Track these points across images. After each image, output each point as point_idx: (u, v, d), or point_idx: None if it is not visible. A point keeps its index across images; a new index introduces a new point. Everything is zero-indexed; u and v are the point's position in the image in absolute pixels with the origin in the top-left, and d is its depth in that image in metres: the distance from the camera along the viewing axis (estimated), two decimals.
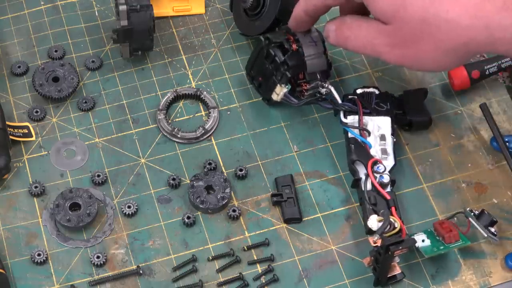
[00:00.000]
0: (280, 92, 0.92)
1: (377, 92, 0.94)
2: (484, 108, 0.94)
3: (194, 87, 0.99)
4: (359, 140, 0.91)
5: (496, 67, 0.97)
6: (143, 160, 0.94)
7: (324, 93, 0.93)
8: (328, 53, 0.93)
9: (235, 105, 0.98)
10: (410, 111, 0.95)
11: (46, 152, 0.94)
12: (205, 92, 0.98)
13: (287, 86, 0.92)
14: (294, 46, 0.91)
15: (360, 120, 0.92)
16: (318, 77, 0.92)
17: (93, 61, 1.00)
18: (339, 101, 0.92)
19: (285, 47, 0.91)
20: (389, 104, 0.93)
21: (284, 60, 0.91)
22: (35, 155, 0.94)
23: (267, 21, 0.96)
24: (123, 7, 0.94)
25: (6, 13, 1.04)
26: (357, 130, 0.91)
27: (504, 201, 0.92)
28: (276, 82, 0.92)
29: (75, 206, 0.89)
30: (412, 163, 0.94)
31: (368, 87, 0.95)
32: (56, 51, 1.00)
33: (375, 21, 0.83)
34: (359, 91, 0.94)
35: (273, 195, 0.91)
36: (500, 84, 1.00)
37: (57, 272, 0.87)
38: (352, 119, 0.92)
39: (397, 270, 0.85)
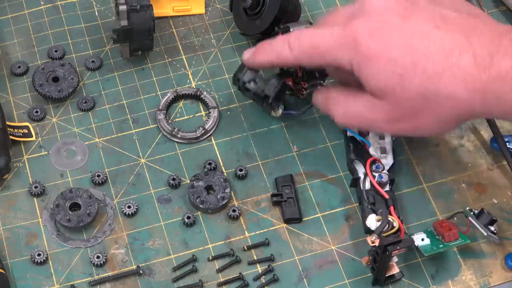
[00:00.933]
0: (276, 114, 0.93)
1: None
2: None
3: (194, 87, 0.99)
4: (358, 139, 0.91)
5: None
6: (143, 160, 0.94)
7: None
8: None
9: (235, 105, 0.98)
10: None
11: (46, 152, 0.94)
12: (205, 92, 0.98)
13: (280, 107, 0.92)
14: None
15: None
16: (317, 75, 0.92)
17: (93, 61, 1.00)
18: None
19: (261, 78, 0.91)
20: None
21: (265, 94, 0.91)
22: (35, 155, 0.94)
23: (267, 21, 0.96)
24: (123, 7, 0.94)
25: (6, 13, 1.04)
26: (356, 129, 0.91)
27: (504, 201, 0.92)
28: (267, 110, 0.92)
29: (75, 206, 0.89)
30: (412, 163, 0.94)
31: None
32: (56, 51, 1.00)
33: (366, 96, 0.82)
34: None
35: (273, 195, 0.91)
36: None
37: (57, 272, 0.87)
38: None
39: (395, 270, 0.85)
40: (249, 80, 0.91)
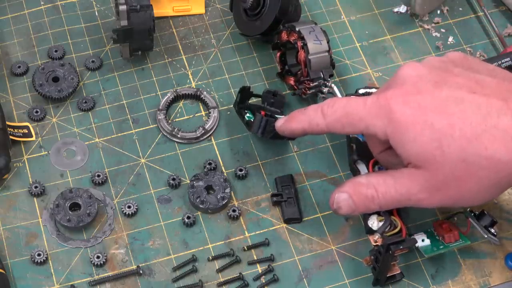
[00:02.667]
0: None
1: None
2: None
3: (194, 87, 0.99)
4: (360, 139, 0.91)
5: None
6: (143, 160, 0.94)
7: (326, 92, 0.93)
8: (332, 53, 0.93)
9: None
10: None
11: (46, 152, 0.94)
12: (205, 92, 0.98)
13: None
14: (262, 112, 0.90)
15: None
16: (322, 75, 0.92)
17: (93, 61, 1.00)
18: None
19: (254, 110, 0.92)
20: None
21: (263, 130, 0.89)
22: (35, 155, 0.94)
23: (267, 21, 0.96)
24: (123, 7, 0.94)
25: (6, 13, 1.04)
26: None
27: (504, 201, 0.92)
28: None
29: (75, 206, 0.89)
30: None
31: (370, 87, 0.94)
32: (56, 51, 1.00)
33: (402, 170, 0.80)
34: (361, 91, 0.94)
35: (273, 195, 0.91)
36: None
37: (57, 272, 0.87)
38: None
39: (397, 270, 0.85)
40: (239, 111, 0.92)
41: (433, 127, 0.77)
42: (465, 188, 0.78)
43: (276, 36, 0.97)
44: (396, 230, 0.84)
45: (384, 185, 0.80)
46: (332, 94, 0.93)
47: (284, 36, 0.95)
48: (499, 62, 0.96)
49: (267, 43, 1.00)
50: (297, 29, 0.93)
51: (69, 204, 0.89)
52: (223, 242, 0.89)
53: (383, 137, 0.79)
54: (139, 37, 0.96)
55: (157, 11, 1.00)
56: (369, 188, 0.81)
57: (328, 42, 0.93)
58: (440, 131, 0.76)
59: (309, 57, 0.92)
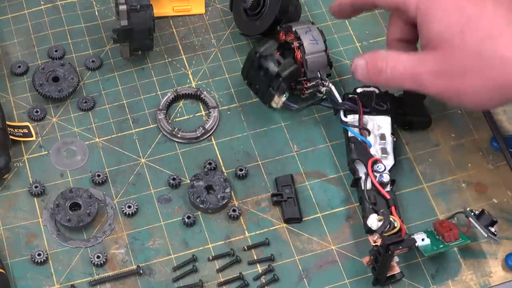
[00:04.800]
0: (278, 101, 0.92)
1: (377, 91, 0.94)
2: None
3: (194, 87, 0.99)
4: (359, 139, 0.91)
5: None
6: (143, 160, 0.94)
7: (324, 92, 0.93)
8: (329, 53, 0.93)
9: (235, 105, 0.98)
10: (410, 111, 0.95)
11: (46, 152, 0.94)
12: (205, 92, 0.98)
13: (285, 95, 0.92)
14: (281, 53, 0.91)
15: (360, 119, 0.92)
16: (319, 75, 0.92)
17: (93, 61, 1.00)
18: (339, 100, 0.92)
19: (276, 58, 0.91)
20: (389, 104, 0.93)
21: (277, 72, 0.91)
22: (35, 155, 0.94)
23: (267, 21, 0.96)
24: (123, 7, 0.94)
25: (6, 13, 1.04)
26: (357, 129, 0.91)
27: (504, 201, 0.92)
28: (273, 93, 0.92)
29: (75, 206, 0.89)
30: (412, 162, 0.94)
31: (369, 87, 0.94)
32: (56, 51, 1.00)
33: (416, 52, 0.82)
34: (359, 90, 0.94)
35: (273, 195, 0.91)
36: None
37: (57, 272, 0.87)
38: (352, 118, 0.92)
39: (396, 270, 0.85)
40: (266, 55, 0.91)
41: (464, 12, 0.78)
42: (469, 83, 0.79)
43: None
44: (395, 230, 0.84)
45: (395, 61, 0.83)
46: (330, 94, 0.93)
47: (282, 36, 0.95)
48: None
49: None
50: (293, 29, 0.93)
51: (69, 204, 0.89)
52: (223, 242, 0.89)
53: (413, 13, 0.81)
54: (139, 37, 0.96)
55: (157, 11, 1.00)
56: (384, 61, 0.83)
57: (325, 42, 0.93)
58: (468, 18, 0.78)
59: (306, 57, 0.92)
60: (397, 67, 0.83)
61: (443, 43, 0.80)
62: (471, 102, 0.81)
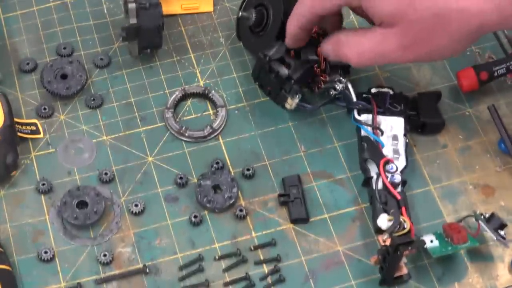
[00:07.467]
0: (292, 103, 0.92)
1: (391, 92, 0.94)
2: (492, 110, 0.94)
3: (202, 85, 0.99)
4: (372, 138, 0.91)
5: (504, 68, 0.96)
6: (150, 159, 0.94)
7: (339, 89, 0.92)
8: None
9: (243, 104, 0.98)
10: (424, 113, 0.95)
11: (54, 150, 0.94)
12: (213, 91, 0.98)
13: (298, 96, 0.92)
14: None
15: (374, 119, 0.92)
16: (339, 71, 0.92)
17: (101, 59, 1.00)
18: (354, 98, 0.92)
19: (286, 61, 0.91)
20: (402, 105, 0.93)
21: (288, 75, 0.91)
22: (42, 152, 0.94)
23: (273, 35, 0.94)
24: (132, 5, 0.94)
25: (15, 9, 1.04)
26: (370, 128, 0.91)
27: (511, 204, 0.92)
28: (286, 95, 0.92)
29: (82, 204, 0.90)
30: (420, 164, 0.94)
31: (383, 87, 0.94)
32: (64, 48, 1.00)
33: (374, 29, 0.83)
34: (373, 90, 0.94)
35: (280, 195, 0.91)
36: (508, 86, 0.99)
37: (63, 270, 0.87)
38: (365, 118, 0.92)
39: (404, 271, 0.85)
40: (276, 58, 0.91)
41: None
42: (437, 42, 0.81)
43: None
44: (405, 231, 0.84)
45: (358, 45, 0.84)
46: (344, 92, 0.92)
47: None
48: (508, 64, 0.96)
49: None
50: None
51: (76, 202, 0.89)
52: (229, 241, 0.89)
53: (357, 2, 0.82)
54: (147, 35, 0.96)
55: (166, 9, 1.00)
56: (347, 47, 0.85)
57: None
58: None
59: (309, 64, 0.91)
60: (363, 49, 0.84)
61: (397, 19, 0.81)
62: (443, 57, 0.86)
